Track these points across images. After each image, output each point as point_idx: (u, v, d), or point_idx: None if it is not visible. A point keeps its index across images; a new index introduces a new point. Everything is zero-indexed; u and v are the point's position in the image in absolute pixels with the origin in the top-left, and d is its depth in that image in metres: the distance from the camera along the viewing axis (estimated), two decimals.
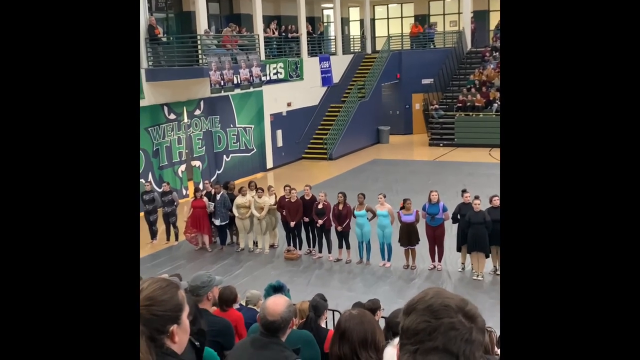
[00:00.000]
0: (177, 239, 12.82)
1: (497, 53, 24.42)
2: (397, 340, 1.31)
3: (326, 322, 5.40)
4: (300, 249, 11.73)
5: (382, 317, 5.55)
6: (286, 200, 11.45)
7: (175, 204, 12.57)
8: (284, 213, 11.48)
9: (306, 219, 11.38)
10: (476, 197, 10.02)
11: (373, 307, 5.82)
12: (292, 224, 11.37)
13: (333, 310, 6.94)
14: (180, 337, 1.71)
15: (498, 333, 5.37)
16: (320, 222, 11.11)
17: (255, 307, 5.77)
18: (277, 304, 2.67)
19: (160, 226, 12.95)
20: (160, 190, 13.48)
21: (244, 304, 6.21)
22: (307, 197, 11.47)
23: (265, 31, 20.10)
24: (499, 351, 3.87)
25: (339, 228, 10.98)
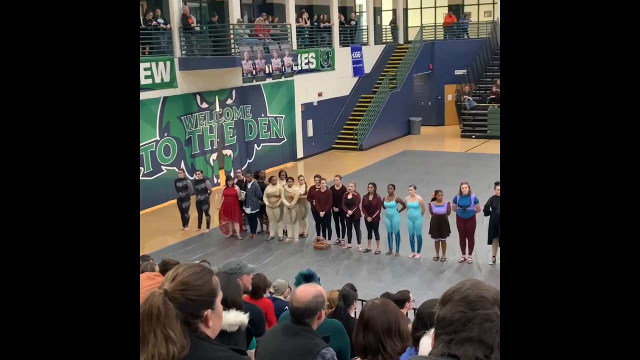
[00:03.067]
0: (208, 226, 12.97)
1: None
2: (432, 330, 1.32)
3: (355, 312, 5.42)
4: (329, 238, 11.76)
5: (413, 308, 5.53)
6: (316, 190, 11.48)
7: (208, 192, 12.73)
8: (314, 203, 11.52)
9: (336, 209, 11.40)
10: None
11: (402, 298, 5.82)
12: (322, 214, 11.41)
13: (362, 301, 6.96)
14: (214, 322, 1.74)
15: None
16: (350, 212, 11.11)
17: (281, 297, 5.82)
18: (305, 292, 2.69)
19: (193, 213, 13.13)
20: (193, 178, 13.66)
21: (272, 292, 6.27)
22: (337, 188, 11.48)
23: (297, 21, 20.09)
24: None
25: (369, 219, 10.97)
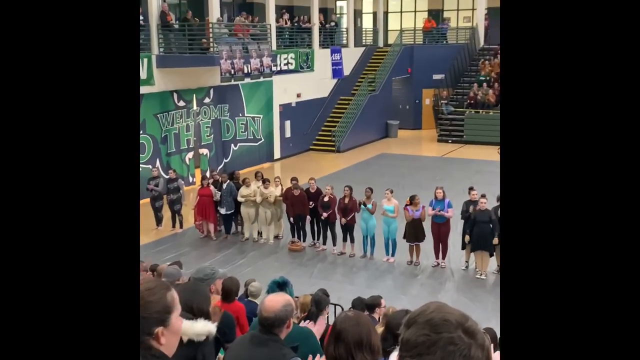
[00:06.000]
0: (181, 226, 12.85)
1: None
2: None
3: (327, 317, 5.41)
4: (304, 241, 11.74)
5: (385, 314, 5.53)
6: (291, 192, 11.45)
7: (180, 191, 12.58)
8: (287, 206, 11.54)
9: (309, 208, 11.38)
10: (482, 196, 9.99)
11: (373, 303, 5.82)
12: (291, 219, 11.48)
13: (335, 305, 6.95)
14: (168, 339, 1.69)
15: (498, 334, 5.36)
16: (325, 214, 11.11)
17: (256, 301, 5.78)
18: (274, 302, 2.67)
19: (166, 213, 12.99)
20: (167, 177, 13.51)
21: (246, 294, 6.23)
22: (312, 190, 11.47)
23: (277, 21, 20.03)
24: (498, 354, 3.85)
25: (344, 221, 10.98)
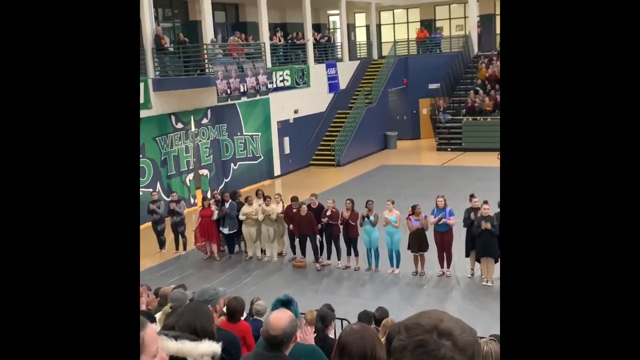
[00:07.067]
0: (185, 248, 12.83)
1: None
2: None
3: (334, 331, 5.38)
4: (304, 256, 11.67)
5: (384, 325, 5.50)
6: (294, 211, 11.36)
7: (180, 212, 12.54)
8: (290, 226, 11.45)
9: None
10: (485, 202, 9.97)
11: (380, 317, 5.80)
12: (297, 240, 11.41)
13: (342, 319, 6.91)
14: None
15: None
16: (325, 219, 11.05)
17: (262, 319, 5.75)
18: (280, 319, 2.66)
19: (169, 235, 12.98)
20: (168, 199, 13.51)
21: (251, 313, 6.20)
22: (313, 206, 11.44)
23: (271, 39, 20.15)
24: None
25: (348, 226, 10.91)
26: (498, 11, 28.12)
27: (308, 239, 11.38)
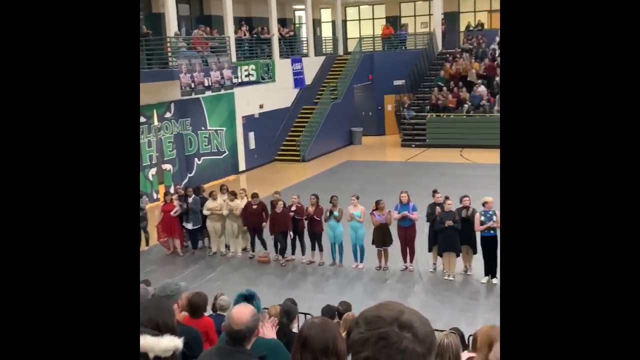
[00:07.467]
0: (147, 243, 12.66)
1: (467, 54, 24.69)
2: None
3: (298, 326, 5.39)
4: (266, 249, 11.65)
5: (344, 319, 5.54)
6: (254, 207, 11.29)
7: (141, 207, 12.37)
8: (263, 224, 11.44)
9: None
10: (447, 198, 10.13)
11: (345, 310, 5.84)
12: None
13: (305, 314, 6.93)
14: None
15: (466, 335, 5.42)
16: (291, 213, 11.06)
17: (225, 314, 5.73)
18: (242, 313, 2.65)
19: None
20: None
21: (213, 308, 6.17)
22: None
23: (236, 32, 19.99)
24: (466, 353, 3.90)
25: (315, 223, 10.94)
26: (462, 9, 28.52)
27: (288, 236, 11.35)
